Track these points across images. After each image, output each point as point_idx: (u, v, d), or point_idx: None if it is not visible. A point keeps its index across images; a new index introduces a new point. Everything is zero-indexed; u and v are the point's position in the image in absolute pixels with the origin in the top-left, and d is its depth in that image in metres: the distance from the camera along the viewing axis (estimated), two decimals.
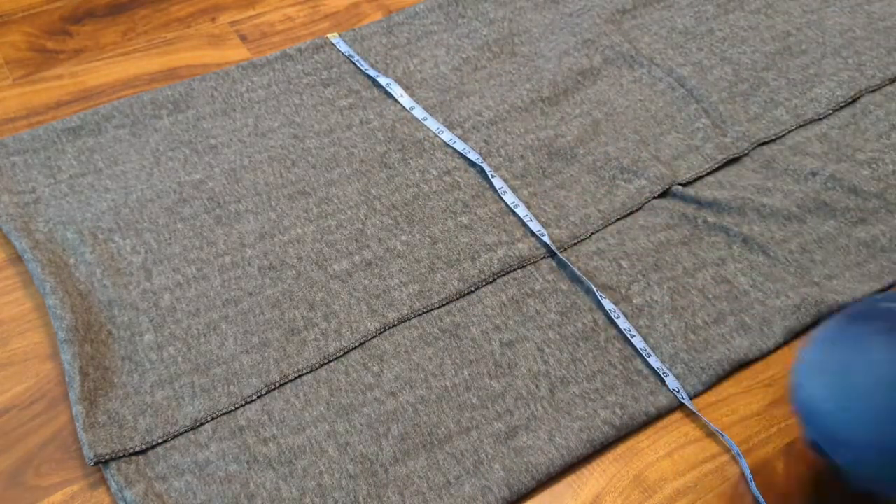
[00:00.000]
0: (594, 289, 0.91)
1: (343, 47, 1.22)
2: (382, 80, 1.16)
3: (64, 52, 1.22)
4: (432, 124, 1.10)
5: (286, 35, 1.26)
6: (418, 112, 1.11)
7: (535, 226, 0.98)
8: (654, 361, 0.86)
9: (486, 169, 1.03)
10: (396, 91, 1.14)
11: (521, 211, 0.99)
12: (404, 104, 1.13)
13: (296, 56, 1.20)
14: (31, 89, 1.16)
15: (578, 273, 0.93)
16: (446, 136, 1.08)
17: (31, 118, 1.11)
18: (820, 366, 0.67)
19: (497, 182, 1.02)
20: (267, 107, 1.13)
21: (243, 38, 1.26)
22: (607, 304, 0.90)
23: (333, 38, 1.23)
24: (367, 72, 1.17)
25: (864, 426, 0.62)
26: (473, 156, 1.05)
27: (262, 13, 1.31)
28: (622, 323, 0.89)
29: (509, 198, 1.01)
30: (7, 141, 1.06)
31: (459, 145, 1.07)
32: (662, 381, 0.85)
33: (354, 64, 1.19)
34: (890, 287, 0.94)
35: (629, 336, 0.88)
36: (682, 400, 0.84)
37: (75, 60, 1.20)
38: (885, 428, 0.61)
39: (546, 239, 0.96)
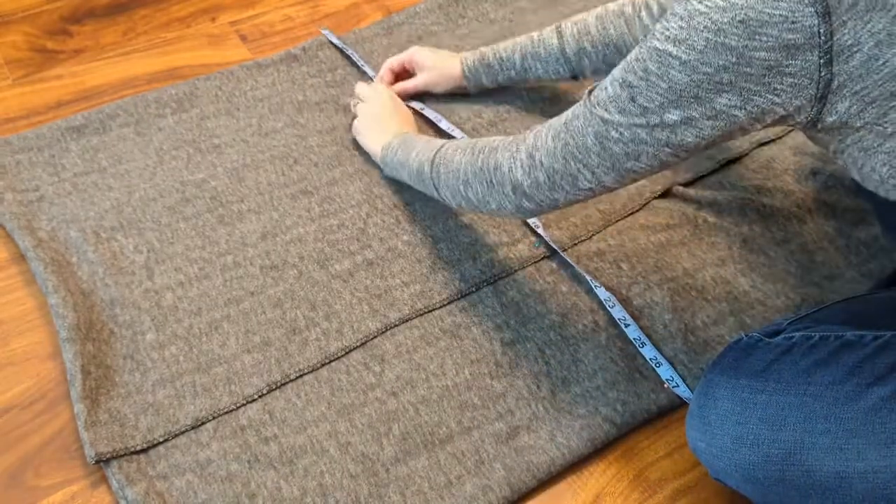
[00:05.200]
0: (588, 278, 0.92)
1: (333, 38, 1.22)
2: (370, 73, 1.18)
3: (64, 52, 1.22)
4: (430, 114, 1.11)
5: (286, 35, 1.27)
6: (415, 104, 1.13)
7: (531, 220, 0.98)
8: (648, 351, 0.86)
9: None
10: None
11: None
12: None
13: (300, 56, 1.20)
14: (31, 89, 1.16)
15: (571, 262, 0.93)
16: (444, 124, 1.09)
17: (31, 118, 1.11)
18: (692, 412, 0.73)
19: None
20: (270, 106, 1.13)
21: (243, 38, 1.26)
22: (601, 293, 0.90)
23: (323, 30, 1.25)
24: (362, 68, 1.18)
25: (726, 463, 0.69)
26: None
27: (262, 13, 1.31)
28: (616, 312, 0.89)
29: None
30: (12, 139, 1.06)
31: (458, 133, 1.08)
32: (656, 372, 0.86)
33: (348, 56, 1.20)
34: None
35: (623, 326, 0.88)
36: (676, 391, 0.85)
37: (75, 60, 1.20)
38: (738, 462, 0.68)
39: (540, 231, 0.97)
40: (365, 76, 1.17)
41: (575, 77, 1.03)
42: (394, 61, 1.12)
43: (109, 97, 1.14)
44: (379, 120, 1.03)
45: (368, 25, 1.26)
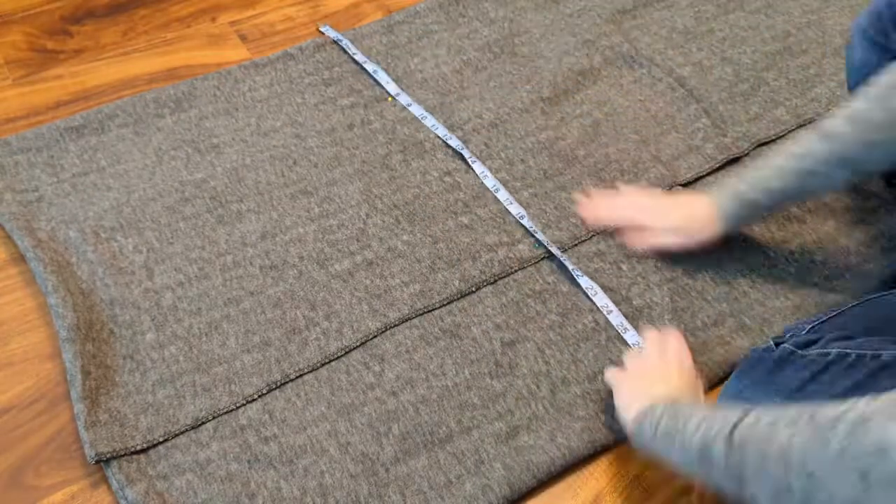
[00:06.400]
0: (584, 286, 0.92)
1: (331, 33, 1.23)
2: (369, 67, 1.17)
3: (64, 52, 1.22)
4: (416, 110, 1.11)
5: (286, 35, 1.27)
6: (403, 98, 1.13)
7: (527, 222, 0.98)
8: (631, 337, 0.87)
9: (479, 170, 1.04)
10: (383, 78, 1.16)
11: (515, 209, 1.00)
12: (390, 90, 1.14)
13: (297, 55, 1.20)
14: (31, 89, 1.16)
15: (570, 267, 0.93)
16: (429, 121, 1.10)
17: (31, 118, 1.11)
18: None
19: (489, 182, 1.03)
20: (269, 106, 1.13)
21: (243, 38, 1.26)
22: (599, 300, 0.91)
23: (322, 26, 1.25)
24: (354, 57, 1.19)
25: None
26: (466, 153, 1.06)
27: (262, 13, 1.31)
28: (614, 318, 0.89)
29: (502, 195, 1.01)
30: (10, 140, 1.06)
31: (441, 131, 1.08)
32: None
33: (343, 49, 1.20)
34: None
35: (621, 332, 0.88)
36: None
37: (75, 60, 1.20)
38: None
39: (539, 236, 0.96)
40: (364, 73, 1.17)
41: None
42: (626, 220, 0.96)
43: (109, 97, 1.14)
44: (649, 375, 0.79)
45: (368, 23, 1.26)
